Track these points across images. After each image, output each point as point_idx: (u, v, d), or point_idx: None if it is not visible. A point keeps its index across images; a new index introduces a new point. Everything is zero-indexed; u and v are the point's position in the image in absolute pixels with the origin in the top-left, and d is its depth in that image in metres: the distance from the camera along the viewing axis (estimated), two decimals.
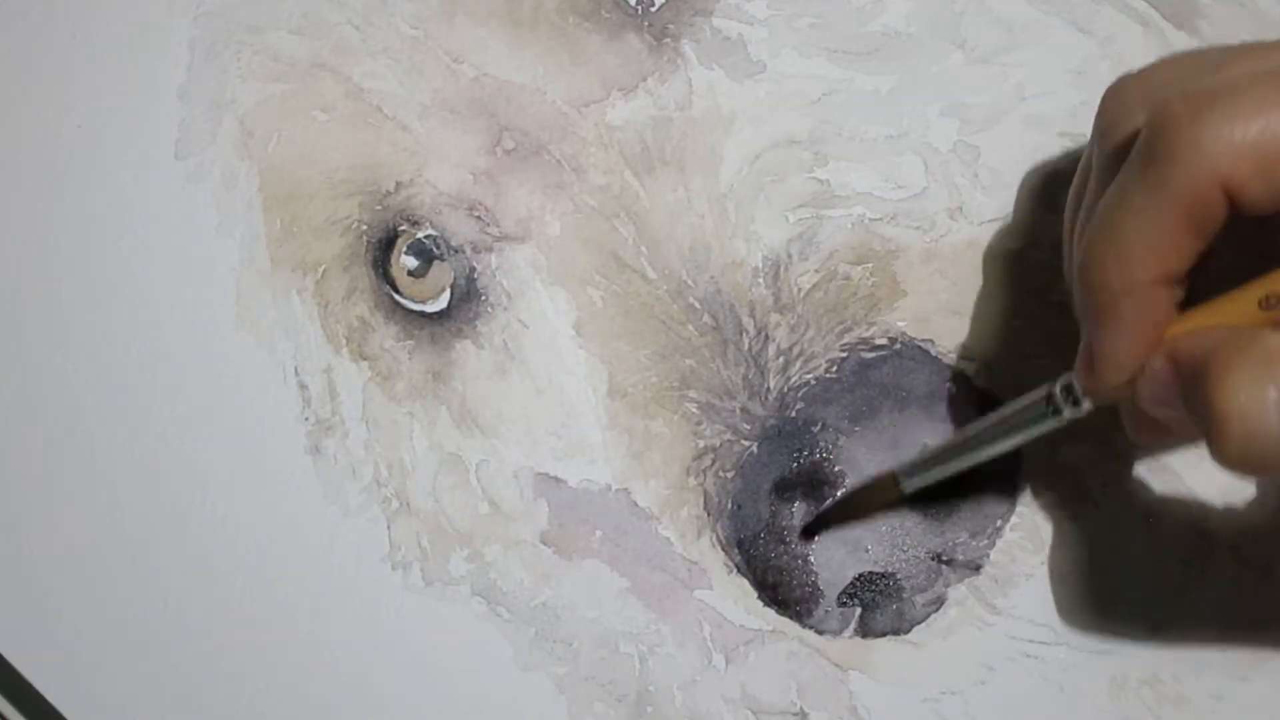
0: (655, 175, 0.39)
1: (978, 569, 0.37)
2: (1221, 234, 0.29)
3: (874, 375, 0.37)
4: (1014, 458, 0.37)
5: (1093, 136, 0.33)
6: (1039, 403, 0.33)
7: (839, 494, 0.37)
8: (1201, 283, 0.30)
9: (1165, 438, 0.32)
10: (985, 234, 0.38)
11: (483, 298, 0.40)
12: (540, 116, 0.40)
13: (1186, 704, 0.36)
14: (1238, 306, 0.29)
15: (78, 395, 0.42)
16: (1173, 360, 0.29)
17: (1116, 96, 0.31)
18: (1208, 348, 0.28)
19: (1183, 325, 0.29)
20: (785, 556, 0.37)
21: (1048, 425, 0.33)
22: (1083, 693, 0.36)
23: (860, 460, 0.37)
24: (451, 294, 0.40)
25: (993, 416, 0.34)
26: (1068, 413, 0.32)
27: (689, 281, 0.38)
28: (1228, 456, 0.27)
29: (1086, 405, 0.32)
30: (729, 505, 0.38)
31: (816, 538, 0.37)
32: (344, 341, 0.41)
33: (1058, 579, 0.37)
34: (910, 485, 0.35)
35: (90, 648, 0.41)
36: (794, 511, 0.37)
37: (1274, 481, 0.36)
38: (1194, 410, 0.28)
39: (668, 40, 0.40)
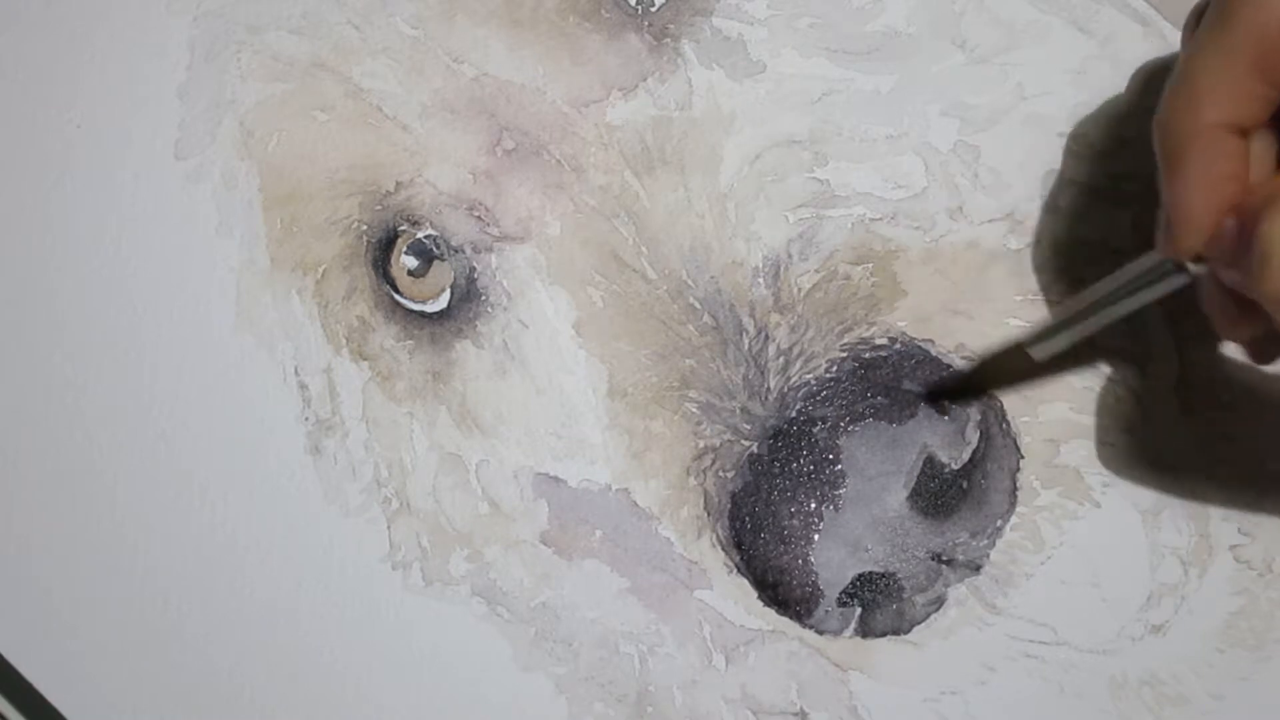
0: (655, 175, 0.39)
1: (978, 569, 0.37)
2: None
3: (874, 375, 0.37)
4: (1014, 458, 0.37)
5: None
6: (1164, 263, 0.31)
7: (963, 366, 0.36)
8: None
9: (1244, 326, 0.31)
10: (985, 234, 0.38)
11: (483, 298, 0.40)
12: (540, 116, 0.40)
13: (1186, 704, 0.36)
14: None
15: (78, 395, 0.42)
16: (1240, 216, 0.28)
17: None
18: (1268, 195, 0.27)
19: (1266, 187, 0.29)
20: (785, 557, 0.37)
21: (1174, 284, 0.31)
22: (1083, 693, 0.36)
23: (860, 460, 0.37)
24: (451, 294, 0.40)
25: (1113, 279, 0.33)
26: (1193, 269, 0.30)
27: (689, 281, 0.38)
28: (1267, 290, 0.27)
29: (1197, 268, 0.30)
30: (729, 505, 0.38)
31: (945, 403, 0.36)
32: (344, 341, 0.41)
33: (1058, 579, 0.37)
34: (1040, 352, 0.35)
35: (90, 648, 0.41)
36: (794, 511, 0.37)
37: None
38: (1247, 257, 0.27)
39: (668, 40, 0.40)
